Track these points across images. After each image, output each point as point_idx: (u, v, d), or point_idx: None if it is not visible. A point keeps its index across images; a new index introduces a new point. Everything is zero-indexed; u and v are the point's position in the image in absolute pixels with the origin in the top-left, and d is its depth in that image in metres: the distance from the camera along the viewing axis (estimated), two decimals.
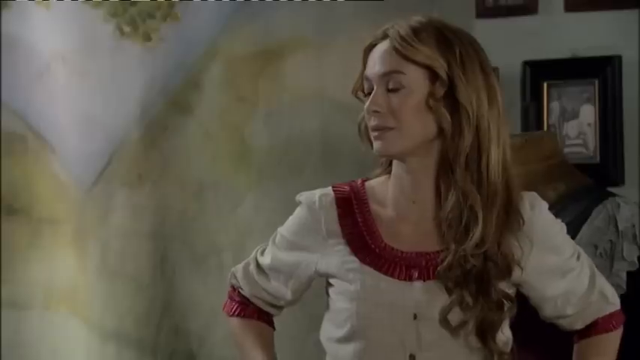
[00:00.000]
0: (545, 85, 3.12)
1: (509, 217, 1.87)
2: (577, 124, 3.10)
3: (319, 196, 1.96)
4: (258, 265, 2.03)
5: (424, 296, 1.87)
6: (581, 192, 2.63)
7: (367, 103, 1.87)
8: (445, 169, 1.87)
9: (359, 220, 1.93)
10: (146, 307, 3.43)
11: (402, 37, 1.85)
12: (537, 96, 3.12)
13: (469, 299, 1.85)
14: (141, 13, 3.41)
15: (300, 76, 3.34)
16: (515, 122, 3.03)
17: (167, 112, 3.44)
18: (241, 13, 3.34)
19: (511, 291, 1.90)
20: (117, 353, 3.48)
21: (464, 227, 1.86)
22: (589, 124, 3.08)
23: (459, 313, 1.86)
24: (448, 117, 1.85)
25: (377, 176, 1.98)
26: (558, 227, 1.95)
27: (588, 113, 3.08)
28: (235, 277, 2.06)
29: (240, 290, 2.05)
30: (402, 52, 1.85)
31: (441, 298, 1.87)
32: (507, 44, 3.10)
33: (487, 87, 1.87)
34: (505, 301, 1.87)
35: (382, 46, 1.88)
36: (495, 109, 1.87)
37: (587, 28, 3.06)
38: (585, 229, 2.57)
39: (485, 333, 1.87)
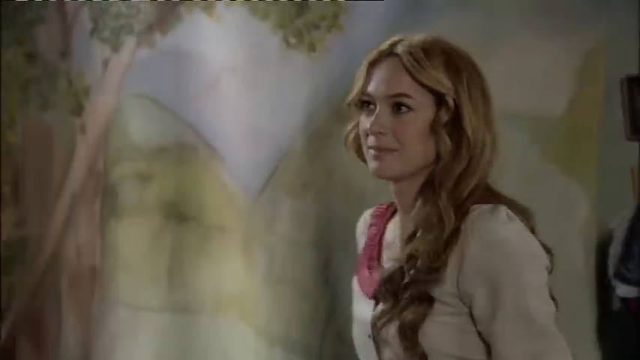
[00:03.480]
0: None
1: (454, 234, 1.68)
2: None
3: (364, 215, 1.88)
4: None
5: (373, 314, 1.72)
6: None
7: (370, 122, 1.71)
8: (428, 187, 1.72)
9: (371, 238, 1.81)
10: (311, 314, 3.32)
11: (414, 58, 1.70)
12: None
13: (395, 305, 1.68)
14: (307, 25, 3.31)
15: None
16: None
17: (331, 121, 3.30)
18: (404, 22, 3.19)
19: (448, 297, 1.67)
20: (283, 358, 3.37)
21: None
22: None
23: (381, 317, 1.70)
24: (449, 143, 1.69)
25: None
26: (500, 261, 1.66)
27: None
28: None
29: None
30: (412, 74, 1.70)
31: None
32: None
33: (486, 113, 1.73)
34: (422, 301, 1.66)
35: (389, 64, 1.72)
36: (491, 135, 1.72)
37: None
38: None
39: (405, 334, 1.67)
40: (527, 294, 1.64)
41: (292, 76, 3.31)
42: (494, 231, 1.65)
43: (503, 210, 1.68)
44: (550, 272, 1.72)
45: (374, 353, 1.73)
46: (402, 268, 1.68)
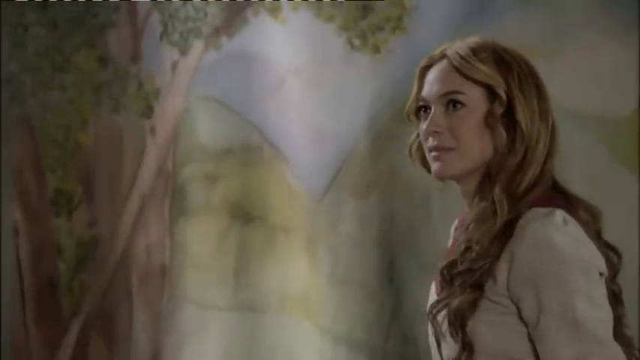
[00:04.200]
0: None
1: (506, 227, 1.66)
2: None
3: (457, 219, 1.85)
4: None
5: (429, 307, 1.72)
6: None
7: (426, 124, 1.72)
8: (485, 182, 1.71)
9: (453, 240, 1.81)
10: (375, 314, 3.29)
11: (461, 57, 1.72)
12: None
13: (444, 293, 1.68)
14: (371, 27, 3.28)
15: None
16: None
17: (394, 122, 3.27)
18: (468, 24, 3.16)
19: (497, 296, 1.65)
20: (348, 358, 3.34)
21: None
22: None
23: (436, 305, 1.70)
24: (504, 135, 1.69)
25: None
26: (546, 264, 1.62)
27: None
28: None
29: None
30: (462, 71, 1.71)
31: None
32: None
33: (541, 109, 1.71)
34: (473, 289, 1.65)
35: (440, 67, 1.74)
36: (547, 128, 1.71)
37: None
38: None
39: (454, 321, 1.66)
40: (574, 298, 1.61)
41: (356, 77, 3.29)
42: (545, 235, 1.63)
43: (559, 214, 1.65)
44: (614, 277, 1.69)
45: (438, 354, 1.72)
46: (456, 259, 1.68)
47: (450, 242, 1.84)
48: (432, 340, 1.74)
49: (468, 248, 1.67)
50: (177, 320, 3.66)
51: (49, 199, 3.88)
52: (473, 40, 1.75)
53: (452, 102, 1.71)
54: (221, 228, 3.52)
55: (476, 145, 1.70)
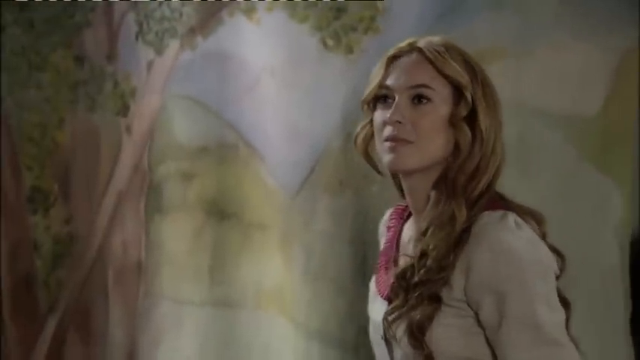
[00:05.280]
0: None
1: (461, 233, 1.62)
2: None
3: (385, 216, 1.84)
4: None
5: (385, 315, 1.66)
6: None
7: (389, 113, 1.67)
8: (441, 184, 1.67)
9: (389, 239, 1.77)
10: (348, 309, 3.25)
11: (436, 50, 1.68)
12: None
13: (400, 301, 1.63)
14: (344, 27, 3.26)
15: (499, 86, 3.06)
16: None
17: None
18: (440, 25, 3.15)
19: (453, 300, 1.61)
20: (321, 352, 3.31)
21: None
22: None
23: (391, 313, 1.65)
24: (470, 135, 1.65)
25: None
26: (505, 270, 1.60)
27: None
28: None
29: None
30: (435, 65, 1.67)
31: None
32: None
33: (498, 119, 1.70)
34: (431, 300, 1.61)
35: (410, 58, 1.69)
36: (500, 139, 1.69)
37: None
38: None
39: (413, 333, 1.62)
40: (534, 302, 1.59)
41: (330, 77, 3.26)
42: (501, 240, 1.60)
43: (511, 217, 1.62)
44: (558, 277, 1.67)
45: (386, 354, 1.69)
46: (413, 265, 1.64)
47: (383, 240, 1.81)
48: (377, 339, 1.70)
49: (424, 254, 1.62)
50: (153, 316, 3.64)
51: (26, 196, 3.85)
52: (442, 38, 1.72)
53: (418, 96, 1.67)
54: (196, 225, 3.49)
55: (434, 142, 1.66)
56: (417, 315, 1.61)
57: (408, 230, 1.74)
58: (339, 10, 3.26)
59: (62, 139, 3.80)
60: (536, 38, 3.00)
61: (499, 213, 1.63)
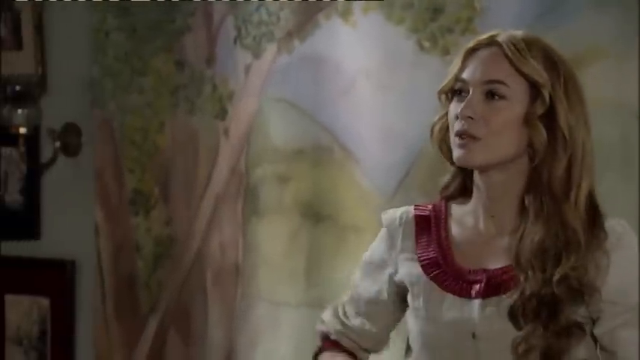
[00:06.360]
0: None
1: (592, 247, 1.58)
2: None
3: (400, 214, 1.80)
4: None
5: (482, 314, 1.60)
6: None
7: (461, 107, 1.64)
8: (536, 190, 1.61)
9: (434, 238, 1.71)
10: None
11: (515, 46, 1.63)
12: None
13: (540, 330, 1.56)
14: (441, 28, 3.20)
15: (599, 87, 2.98)
16: None
17: None
18: (539, 24, 3.06)
19: (584, 318, 1.58)
20: None
21: (554, 255, 1.58)
22: None
23: (526, 342, 1.57)
24: (545, 135, 1.59)
25: (446, 184, 1.76)
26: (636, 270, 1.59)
27: None
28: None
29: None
30: (512, 61, 1.62)
31: (500, 319, 1.59)
32: None
33: (585, 118, 1.63)
34: (574, 330, 1.56)
35: (488, 52, 1.65)
36: (590, 141, 1.63)
37: None
38: None
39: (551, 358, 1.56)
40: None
41: (426, 79, 3.19)
42: (636, 245, 1.61)
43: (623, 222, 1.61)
44: None
45: (472, 353, 1.63)
46: (549, 292, 1.58)
47: (403, 240, 1.74)
48: (449, 339, 1.64)
49: (561, 280, 1.56)
50: (251, 317, 3.63)
51: (128, 198, 3.88)
52: (525, 33, 1.66)
53: (492, 92, 1.62)
54: (292, 227, 3.47)
55: (503, 140, 1.62)
56: (559, 344, 1.57)
57: (461, 226, 1.69)
58: (436, 12, 3.21)
59: (162, 143, 3.82)
60: (636, 37, 2.92)
61: (620, 220, 1.62)
